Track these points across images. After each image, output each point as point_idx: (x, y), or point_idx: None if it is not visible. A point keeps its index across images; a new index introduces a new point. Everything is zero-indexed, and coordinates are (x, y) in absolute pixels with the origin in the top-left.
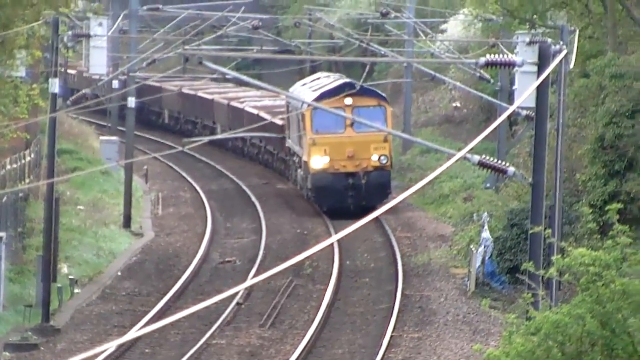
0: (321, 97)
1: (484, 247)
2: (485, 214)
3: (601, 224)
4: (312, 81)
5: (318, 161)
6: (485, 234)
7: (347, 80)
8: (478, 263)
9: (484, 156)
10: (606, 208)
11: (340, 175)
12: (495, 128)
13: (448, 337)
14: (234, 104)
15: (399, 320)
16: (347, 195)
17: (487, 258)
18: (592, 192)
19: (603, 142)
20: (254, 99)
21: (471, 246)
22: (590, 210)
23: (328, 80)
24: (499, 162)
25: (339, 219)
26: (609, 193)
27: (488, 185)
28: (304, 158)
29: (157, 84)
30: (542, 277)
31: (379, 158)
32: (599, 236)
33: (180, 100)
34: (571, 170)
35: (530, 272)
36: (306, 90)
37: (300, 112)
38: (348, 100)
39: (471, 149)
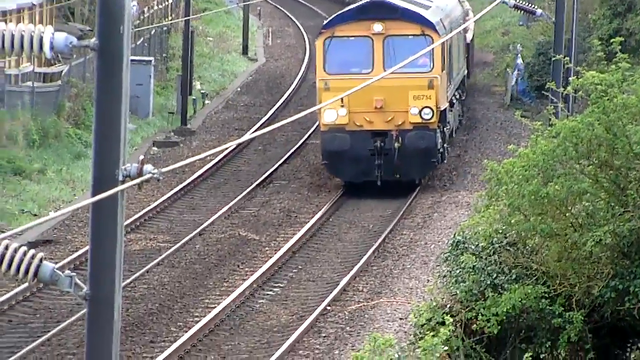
0: (338, 21)
1: (518, 70)
2: (519, 45)
3: (607, 53)
4: None
5: (331, 115)
6: (519, 60)
7: None
8: (513, 83)
9: (518, 0)
10: (611, 41)
11: (363, 136)
12: None
13: (489, 139)
14: None
15: None
16: (373, 164)
17: (520, 79)
18: (601, 29)
19: None
20: None
21: (508, 69)
22: (599, 43)
23: None
24: (530, 5)
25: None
26: (614, 29)
27: (521, 23)
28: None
29: None
30: (562, 93)
31: (421, 111)
32: (605, 63)
33: None
34: (584, 12)
35: (552, 90)
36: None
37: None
38: (377, 27)
39: None
